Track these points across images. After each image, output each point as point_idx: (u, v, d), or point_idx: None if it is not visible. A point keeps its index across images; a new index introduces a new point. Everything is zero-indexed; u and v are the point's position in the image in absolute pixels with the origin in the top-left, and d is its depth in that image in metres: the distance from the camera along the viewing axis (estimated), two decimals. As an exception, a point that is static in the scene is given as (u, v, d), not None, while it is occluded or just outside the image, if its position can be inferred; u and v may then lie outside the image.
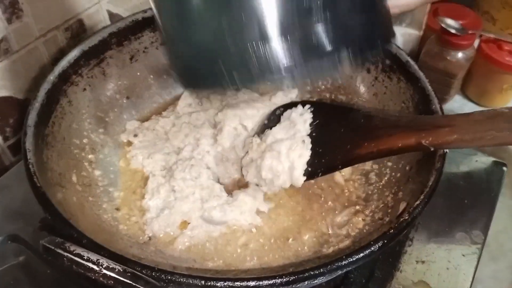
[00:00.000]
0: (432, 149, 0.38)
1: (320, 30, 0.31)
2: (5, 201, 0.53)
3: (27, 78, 0.59)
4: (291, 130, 0.49)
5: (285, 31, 0.30)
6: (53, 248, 0.31)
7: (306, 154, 0.47)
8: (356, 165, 0.54)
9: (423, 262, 0.50)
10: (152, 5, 0.35)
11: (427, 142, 0.38)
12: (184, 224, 0.49)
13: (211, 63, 0.32)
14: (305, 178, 0.46)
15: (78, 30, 0.63)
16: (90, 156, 0.53)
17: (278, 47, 0.30)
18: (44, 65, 0.60)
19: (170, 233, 0.48)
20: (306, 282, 0.35)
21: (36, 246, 0.48)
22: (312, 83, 0.33)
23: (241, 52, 0.31)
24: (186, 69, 0.35)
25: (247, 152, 0.52)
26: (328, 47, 0.31)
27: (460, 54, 0.66)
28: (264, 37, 0.30)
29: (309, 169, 0.46)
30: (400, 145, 0.40)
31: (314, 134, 0.48)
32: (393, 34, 0.36)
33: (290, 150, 0.47)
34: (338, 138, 0.46)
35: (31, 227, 0.50)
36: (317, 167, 0.46)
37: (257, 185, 0.51)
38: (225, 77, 0.32)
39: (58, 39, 0.61)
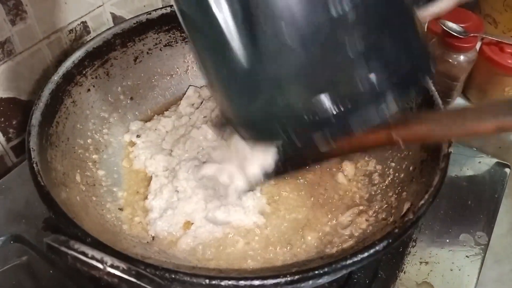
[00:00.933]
0: (401, 143, 0.38)
1: (365, 79, 0.30)
2: (8, 202, 0.53)
3: (30, 79, 0.59)
4: None
5: (330, 88, 0.30)
6: (57, 246, 0.31)
7: (271, 152, 0.44)
8: (359, 166, 0.55)
9: (426, 263, 0.50)
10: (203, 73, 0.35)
11: (397, 135, 0.38)
12: (188, 224, 0.49)
13: (266, 125, 0.33)
14: (264, 176, 0.45)
15: (81, 33, 0.63)
16: (94, 156, 0.53)
17: (324, 105, 0.31)
18: (47, 67, 0.60)
19: (173, 233, 0.48)
20: (310, 282, 0.35)
21: (39, 247, 0.48)
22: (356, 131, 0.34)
23: (293, 114, 0.32)
24: (243, 127, 0.36)
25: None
26: (374, 95, 0.31)
27: (462, 57, 0.66)
28: (310, 97, 0.31)
29: (279, 165, 0.45)
30: (371, 138, 0.40)
31: None
32: (433, 63, 0.35)
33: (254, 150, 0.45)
34: None
35: (33, 228, 0.51)
36: (287, 164, 0.45)
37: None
38: (282, 135, 0.33)
39: (62, 41, 0.61)
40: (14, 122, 0.59)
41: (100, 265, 0.30)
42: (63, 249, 0.30)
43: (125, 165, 0.55)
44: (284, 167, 0.45)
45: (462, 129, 0.36)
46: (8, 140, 0.59)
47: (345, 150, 0.42)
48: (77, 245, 0.31)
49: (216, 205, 0.49)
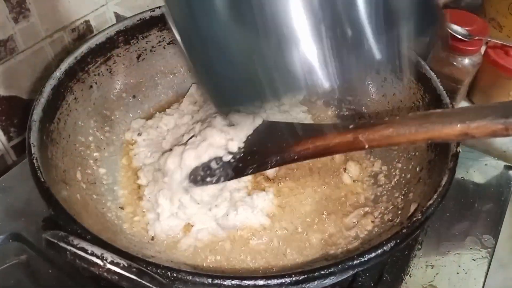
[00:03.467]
0: (367, 146, 0.38)
1: (366, 14, 0.27)
2: (7, 200, 0.53)
3: (32, 78, 0.58)
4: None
5: (331, 26, 0.27)
6: (56, 241, 0.30)
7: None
8: (364, 167, 0.54)
9: (432, 266, 0.49)
10: (174, 29, 0.31)
11: (364, 137, 0.38)
12: (188, 227, 0.48)
13: (248, 78, 0.29)
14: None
15: (84, 32, 0.63)
16: (95, 154, 0.52)
17: (318, 48, 0.27)
18: (49, 66, 0.60)
19: (173, 235, 0.47)
20: (316, 282, 0.34)
21: (38, 245, 0.47)
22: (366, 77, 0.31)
23: (281, 61, 0.27)
24: (219, 88, 0.31)
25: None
26: (381, 29, 0.27)
27: (466, 60, 0.65)
28: (301, 40, 0.27)
29: (240, 165, 0.45)
30: (337, 140, 0.39)
31: (250, 136, 0.47)
32: (442, 15, 0.32)
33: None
34: (275, 138, 0.45)
35: (33, 227, 0.50)
36: (249, 163, 0.45)
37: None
38: (265, 89, 0.29)
39: (65, 40, 0.61)
40: (15, 121, 0.58)
41: (100, 262, 0.29)
42: (62, 244, 0.29)
43: (125, 163, 0.54)
44: (244, 167, 0.45)
45: (427, 132, 0.36)
46: (9, 139, 0.59)
47: (310, 153, 0.42)
48: (76, 241, 0.30)
49: (221, 207, 0.48)
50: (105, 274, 0.30)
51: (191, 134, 0.50)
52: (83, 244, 0.30)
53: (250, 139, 0.46)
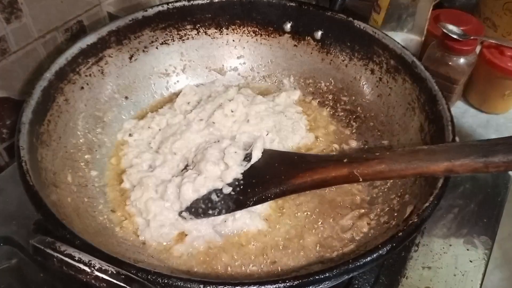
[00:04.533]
0: (361, 179, 0.41)
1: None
2: (-1, 203, 0.52)
3: (25, 79, 0.58)
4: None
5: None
6: (42, 248, 0.29)
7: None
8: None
9: (429, 268, 0.49)
10: None
11: (358, 171, 0.41)
12: (181, 235, 0.47)
13: None
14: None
15: (78, 32, 0.62)
16: (86, 156, 0.51)
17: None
18: (42, 66, 0.59)
19: (164, 243, 0.46)
20: (311, 287, 0.34)
21: (29, 249, 0.46)
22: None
23: None
24: None
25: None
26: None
27: (462, 60, 0.65)
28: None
29: (240, 197, 0.47)
30: (333, 174, 0.43)
31: (248, 168, 0.49)
32: None
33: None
34: (273, 170, 0.48)
35: (24, 230, 0.49)
36: (249, 196, 0.47)
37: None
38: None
39: (58, 40, 0.60)
40: (7, 122, 0.57)
41: (87, 269, 0.29)
42: (49, 251, 0.29)
43: (114, 163, 0.54)
44: (245, 200, 0.47)
45: (416, 169, 0.39)
46: (2, 140, 0.58)
47: (308, 186, 0.45)
48: (63, 247, 0.29)
49: (222, 216, 0.47)
50: (93, 281, 0.29)
51: (185, 163, 0.51)
52: (71, 250, 0.29)
53: (249, 171, 0.48)
